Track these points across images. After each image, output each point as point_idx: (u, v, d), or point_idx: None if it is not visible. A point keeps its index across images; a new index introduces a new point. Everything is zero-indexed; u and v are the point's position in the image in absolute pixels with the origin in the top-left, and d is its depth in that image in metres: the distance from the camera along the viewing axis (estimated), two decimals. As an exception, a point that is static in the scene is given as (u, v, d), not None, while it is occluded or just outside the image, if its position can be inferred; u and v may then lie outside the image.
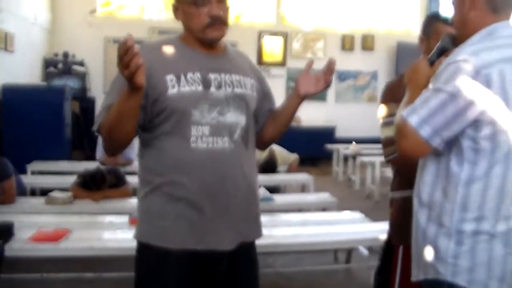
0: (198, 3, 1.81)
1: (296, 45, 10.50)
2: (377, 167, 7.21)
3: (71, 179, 4.77)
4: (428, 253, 1.71)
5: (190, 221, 1.83)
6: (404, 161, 2.36)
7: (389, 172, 6.19)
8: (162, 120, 1.82)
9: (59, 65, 8.84)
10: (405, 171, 2.42)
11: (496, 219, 1.61)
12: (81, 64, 9.14)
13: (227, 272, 1.92)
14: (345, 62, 10.45)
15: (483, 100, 1.56)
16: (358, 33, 10.86)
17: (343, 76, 10.70)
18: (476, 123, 1.58)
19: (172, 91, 1.79)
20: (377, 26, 11.07)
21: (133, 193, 4.82)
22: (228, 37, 1.93)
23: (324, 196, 5.11)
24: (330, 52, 10.51)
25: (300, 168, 7.50)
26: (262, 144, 2.13)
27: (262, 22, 10.60)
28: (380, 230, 3.85)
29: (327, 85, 2.01)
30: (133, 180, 4.90)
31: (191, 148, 1.81)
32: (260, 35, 10.33)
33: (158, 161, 1.85)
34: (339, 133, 10.16)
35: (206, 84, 1.84)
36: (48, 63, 8.98)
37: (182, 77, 1.82)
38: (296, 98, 2.02)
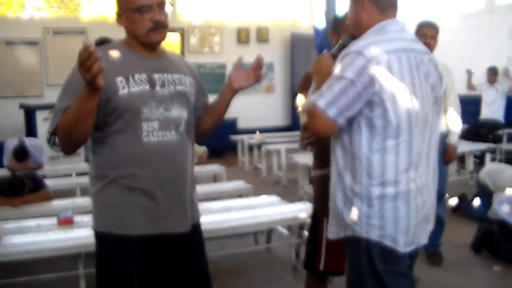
0: (142, 10, 2.00)
1: (193, 40, 10.67)
2: (282, 154, 7.59)
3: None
4: (346, 216, 2.05)
5: (145, 208, 2.05)
6: (319, 141, 2.72)
7: (294, 158, 6.62)
8: (114, 118, 2.00)
9: None
10: (322, 151, 2.77)
11: (396, 182, 1.97)
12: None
13: (180, 253, 2.16)
14: (242, 55, 10.70)
15: (374, 84, 1.90)
16: (252, 26, 11.20)
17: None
18: (370, 104, 1.92)
19: (123, 91, 1.98)
20: (270, 19, 11.49)
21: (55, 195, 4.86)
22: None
23: (239, 184, 5.42)
24: (226, 45, 10.79)
25: (207, 160, 7.78)
26: (200, 135, 2.36)
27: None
28: (296, 210, 4.23)
29: (257, 79, 2.28)
30: (50, 183, 4.95)
31: (143, 142, 2.02)
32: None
33: (112, 156, 2.04)
34: (241, 124, 10.49)
35: (152, 83, 2.05)
36: None
37: (131, 78, 2.01)
38: (230, 92, 2.28)
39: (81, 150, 8.12)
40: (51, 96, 9.04)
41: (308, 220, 4.07)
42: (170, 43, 10.41)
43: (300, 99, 2.80)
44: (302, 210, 4.13)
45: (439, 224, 4.28)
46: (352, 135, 2.00)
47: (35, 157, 6.36)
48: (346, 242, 2.12)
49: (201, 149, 7.62)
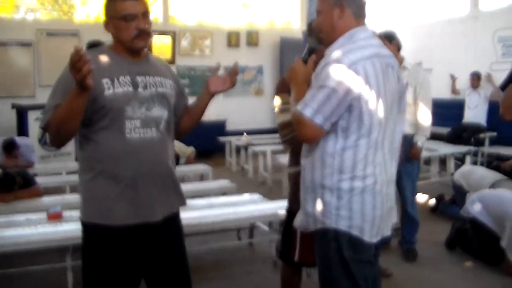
0: (127, 18, 2.19)
1: (184, 43, 10.83)
2: (268, 155, 7.77)
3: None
4: (317, 209, 2.23)
5: (128, 199, 2.22)
6: (297, 141, 2.89)
7: (279, 159, 6.79)
8: (100, 116, 2.18)
9: None
10: (297, 149, 2.94)
11: (364, 177, 2.15)
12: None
13: (161, 240, 2.34)
14: (232, 58, 10.82)
15: (354, 89, 2.08)
16: (242, 29, 11.38)
17: (231, 72, 11.10)
18: (349, 107, 2.10)
19: (108, 92, 2.16)
20: (260, 22, 11.66)
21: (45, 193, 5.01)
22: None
23: (223, 183, 5.60)
24: (217, 49, 10.96)
25: (195, 160, 7.95)
26: (179, 134, 2.56)
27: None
28: (277, 207, 4.39)
29: (233, 84, 2.50)
30: (41, 181, 5.10)
31: (126, 138, 2.20)
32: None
33: (97, 151, 2.22)
34: (230, 126, 10.65)
35: (135, 85, 2.24)
36: None
37: (116, 80, 2.19)
38: (207, 95, 2.50)
39: (72, 149, 8.27)
40: (43, 96, 9.02)
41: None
42: (162, 45, 10.57)
43: (276, 101, 2.97)
44: (282, 208, 4.28)
45: (412, 222, 4.49)
46: (327, 136, 2.16)
47: (26, 155, 6.52)
48: (315, 234, 2.29)
49: (189, 150, 7.79)
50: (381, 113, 2.15)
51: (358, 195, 2.15)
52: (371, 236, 2.20)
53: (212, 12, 11.33)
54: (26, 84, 9.54)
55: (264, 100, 11.45)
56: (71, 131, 2.12)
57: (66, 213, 4.18)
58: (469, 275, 4.26)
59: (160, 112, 2.30)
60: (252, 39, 11.33)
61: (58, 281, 3.88)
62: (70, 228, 3.88)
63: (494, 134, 8.43)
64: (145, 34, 2.23)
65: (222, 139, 9.55)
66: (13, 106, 8.27)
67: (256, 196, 4.87)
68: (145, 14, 2.23)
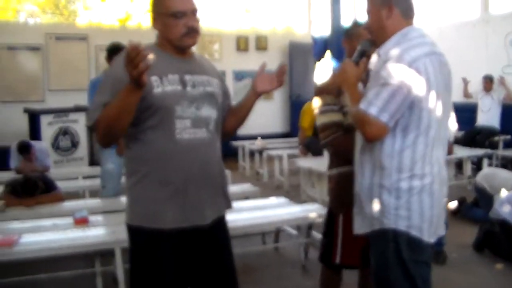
0: (177, 15, 2.13)
1: (193, 47, 10.76)
2: (284, 159, 7.73)
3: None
4: (374, 210, 2.19)
5: (178, 202, 2.14)
6: (338, 143, 2.85)
7: (298, 163, 6.74)
8: (148, 115, 2.10)
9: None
10: (340, 151, 2.90)
11: (422, 176, 2.13)
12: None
13: (209, 244, 2.27)
14: (241, 63, 10.93)
15: (416, 87, 2.06)
16: (251, 34, 11.37)
17: (240, 76, 11.13)
18: (410, 105, 2.08)
19: (157, 90, 2.10)
20: (268, 27, 11.65)
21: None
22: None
23: (246, 187, 5.54)
24: (226, 53, 10.94)
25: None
26: (224, 135, 2.48)
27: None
28: (305, 210, 4.36)
29: (280, 84, 2.43)
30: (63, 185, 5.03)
31: (176, 139, 2.13)
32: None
33: (145, 151, 2.14)
34: (242, 131, 10.53)
35: (184, 84, 2.17)
36: None
37: (164, 78, 2.13)
38: (253, 95, 2.42)
39: (85, 154, 8.24)
40: (52, 101, 9.21)
41: (318, 220, 4.22)
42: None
43: (317, 102, 2.93)
44: (311, 211, 4.25)
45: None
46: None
47: (40, 160, 6.45)
48: (372, 236, 2.25)
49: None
50: (439, 111, 2.14)
51: (416, 194, 2.13)
52: (429, 236, 2.18)
53: (219, 16, 11.29)
54: (36, 88, 9.49)
55: (273, 105, 11.41)
56: (122, 130, 2.05)
57: (92, 218, 4.12)
58: (500, 277, 4.21)
59: (209, 112, 2.24)
60: (261, 43, 11.31)
61: (86, 287, 3.82)
62: (99, 233, 3.84)
63: (508, 137, 8.40)
64: (194, 32, 2.18)
65: (235, 143, 9.48)
66: (25, 110, 8.20)
67: (282, 200, 4.82)
68: (195, 11, 2.18)
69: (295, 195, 6.93)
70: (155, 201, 2.14)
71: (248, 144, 9.04)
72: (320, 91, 2.96)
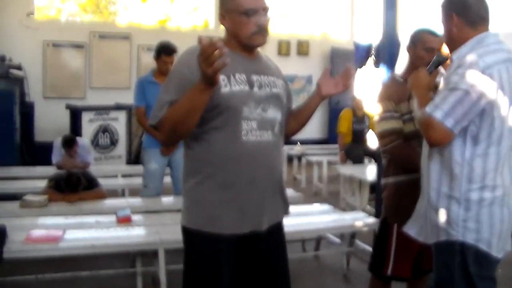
0: (249, 13, 2.05)
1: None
2: (324, 165, 7.62)
3: (29, 184, 4.97)
4: (441, 220, 2.10)
5: (239, 206, 2.06)
6: (398, 151, 2.75)
7: (339, 170, 6.62)
8: (214, 115, 2.02)
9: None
10: (399, 159, 2.80)
11: (493, 188, 2.03)
12: (19, 68, 8.93)
13: (266, 250, 2.18)
14: (282, 67, 10.63)
15: (488, 94, 1.97)
16: (293, 38, 11.27)
17: (281, 81, 11.02)
18: (481, 112, 1.99)
19: (225, 89, 2.02)
20: (312, 32, 11.56)
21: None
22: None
23: (288, 192, 5.43)
24: (267, 57, 10.88)
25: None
26: (285, 137, 2.39)
27: (201, 26, 10.82)
28: (351, 218, 4.25)
29: (346, 88, 2.33)
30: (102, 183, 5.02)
31: (242, 141, 2.04)
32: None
33: (208, 152, 2.06)
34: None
35: (251, 84, 2.09)
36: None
37: (232, 78, 2.05)
38: (318, 98, 2.34)
39: (123, 153, 8.27)
40: (93, 98, 9.29)
41: (364, 229, 4.12)
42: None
43: (378, 109, 2.84)
44: (357, 219, 4.15)
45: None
46: (454, 142, 2.05)
47: (82, 156, 6.48)
48: (436, 246, 2.16)
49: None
50: (511, 120, 2.05)
51: (487, 206, 2.03)
52: (498, 251, 2.08)
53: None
54: (77, 86, 9.59)
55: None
56: (189, 129, 1.98)
57: (134, 217, 4.09)
58: None
59: (274, 114, 2.16)
60: (302, 48, 11.22)
61: (126, 286, 3.80)
62: (141, 233, 3.81)
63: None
64: (264, 31, 2.10)
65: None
66: (67, 106, 8.28)
67: (326, 207, 4.72)
68: (266, 9, 2.09)
69: (333, 202, 6.80)
70: (216, 204, 2.06)
71: (287, 149, 8.94)
72: (382, 97, 2.87)
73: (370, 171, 6.24)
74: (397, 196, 2.81)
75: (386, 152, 2.83)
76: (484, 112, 1.99)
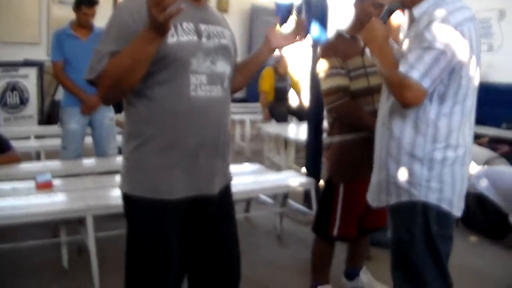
0: None
1: None
2: (247, 124, 7.51)
3: None
4: (402, 180, 2.04)
5: (186, 169, 1.87)
6: (344, 109, 2.67)
7: (265, 129, 6.52)
8: (159, 68, 1.80)
9: None
10: (347, 117, 2.72)
11: (456, 147, 1.99)
12: None
13: (215, 214, 2.02)
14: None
15: (459, 52, 1.90)
16: (212, -5, 10.94)
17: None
18: (451, 71, 1.92)
19: (172, 40, 1.79)
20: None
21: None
22: None
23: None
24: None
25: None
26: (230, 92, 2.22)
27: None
28: (284, 178, 4.18)
29: (300, 39, 2.14)
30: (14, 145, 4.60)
31: (190, 96, 1.84)
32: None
33: (152, 110, 1.84)
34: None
35: (199, 34, 1.88)
36: None
37: (179, 27, 1.83)
38: (266, 51, 2.16)
39: (34, 112, 7.75)
40: None
41: (299, 189, 4.08)
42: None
43: (322, 65, 2.72)
44: (291, 178, 4.08)
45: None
46: None
47: (-8, 118, 5.99)
48: (395, 208, 2.10)
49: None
50: (477, 79, 2.01)
51: (449, 166, 1.99)
52: (458, 210, 2.07)
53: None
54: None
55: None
56: (132, 84, 1.74)
57: (55, 182, 3.77)
58: (476, 249, 4.21)
59: (224, 67, 1.96)
60: (222, 5, 10.89)
61: (49, 257, 3.55)
62: (65, 199, 3.51)
63: None
64: None
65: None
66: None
67: (257, 166, 4.59)
68: None
69: (258, 161, 6.74)
70: (161, 168, 1.85)
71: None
72: (326, 53, 2.76)
73: (293, 130, 6.21)
74: (343, 156, 2.75)
75: (332, 110, 2.74)
76: (454, 70, 1.93)
